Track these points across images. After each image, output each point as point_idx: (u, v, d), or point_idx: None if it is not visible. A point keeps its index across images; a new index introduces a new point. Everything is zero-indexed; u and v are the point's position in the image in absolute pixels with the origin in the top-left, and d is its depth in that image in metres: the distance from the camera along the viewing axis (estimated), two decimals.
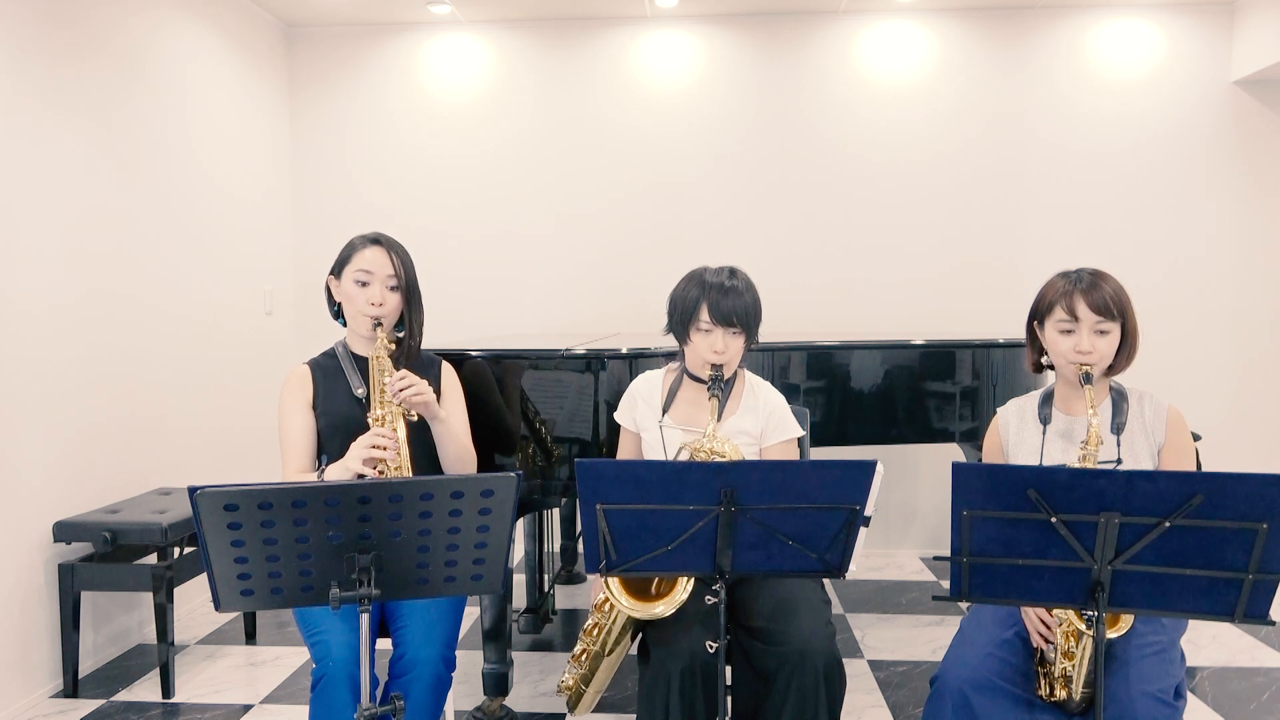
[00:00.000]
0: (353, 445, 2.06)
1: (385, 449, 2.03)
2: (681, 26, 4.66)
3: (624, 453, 2.35)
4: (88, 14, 3.32)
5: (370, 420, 2.12)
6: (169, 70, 3.80)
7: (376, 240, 2.26)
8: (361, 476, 2.04)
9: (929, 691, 1.95)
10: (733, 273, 2.18)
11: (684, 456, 2.05)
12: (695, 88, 4.67)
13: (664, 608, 1.99)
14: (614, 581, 1.99)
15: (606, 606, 2.10)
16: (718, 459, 2.01)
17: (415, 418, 2.15)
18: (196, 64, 3.99)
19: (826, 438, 3.16)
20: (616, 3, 4.47)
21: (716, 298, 2.11)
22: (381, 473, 2.04)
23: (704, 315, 2.12)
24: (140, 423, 3.57)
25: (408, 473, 2.08)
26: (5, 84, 2.94)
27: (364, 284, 2.21)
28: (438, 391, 2.30)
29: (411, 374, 2.14)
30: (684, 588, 2.00)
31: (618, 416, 2.35)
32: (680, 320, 2.17)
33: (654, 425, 2.24)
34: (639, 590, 2.05)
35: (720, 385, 2.08)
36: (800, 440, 2.31)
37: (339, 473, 2.07)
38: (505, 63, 4.71)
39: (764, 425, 2.24)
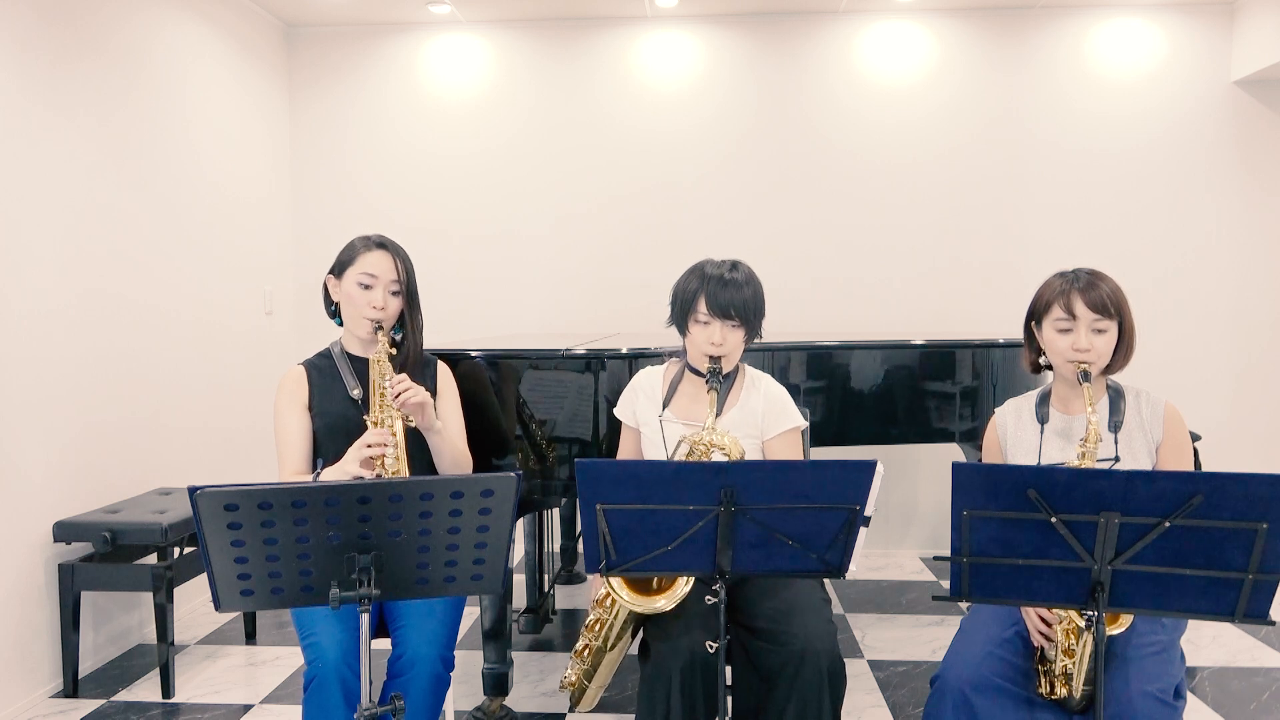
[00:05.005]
0: (350, 448, 2.06)
1: (384, 449, 2.03)
2: (681, 26, 4.66)
3: (624, 448, 2.34)
4: (88, 13, 3.32)
5: (368, 422, 2.12)
6: (169, 70, 3.80)
7: (382, 244, 2.25)
8: (359, 479, 2.04)
9: (929, 691, 1.95)
10: (734, 266, 2.17)
11: (683, 449, 2.05)
12: (695, 88, 4.67)
13: (665, 602, 1.99)
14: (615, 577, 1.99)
15: (608, 601, 2.10)
16: (717, 451, 2.01)
17: (412, 424, 2.15)
18: (196, 64, 3.99)
19: (826, 438, 3.16)
20: (616, 3, 4.47)
21: (715, 290, 2.11)
22: (379, 475, 2.04)
23: (701, 307, 2.12)
24: (140, 423, 3.57)
25: (405, 475, 2.07)
26: (5, 84, 2.94)
27: (367, 287, 2.21)
28: (434, 392, 2.30)
29: (410, 379, 2.14)
30: (685, 582, 2.00)
31: (617, 412, 2.35)
32: (680, 311, 2.18)
33: (654, 419, 2.24)
34: (641, 585, 2.04)
35: (719, 378, 2.08)
36: (803, 432, 2.30)
37: (336, 475, 2.06)
38: (505, 63, 4.71)
39: (765, 417, 2.23)
